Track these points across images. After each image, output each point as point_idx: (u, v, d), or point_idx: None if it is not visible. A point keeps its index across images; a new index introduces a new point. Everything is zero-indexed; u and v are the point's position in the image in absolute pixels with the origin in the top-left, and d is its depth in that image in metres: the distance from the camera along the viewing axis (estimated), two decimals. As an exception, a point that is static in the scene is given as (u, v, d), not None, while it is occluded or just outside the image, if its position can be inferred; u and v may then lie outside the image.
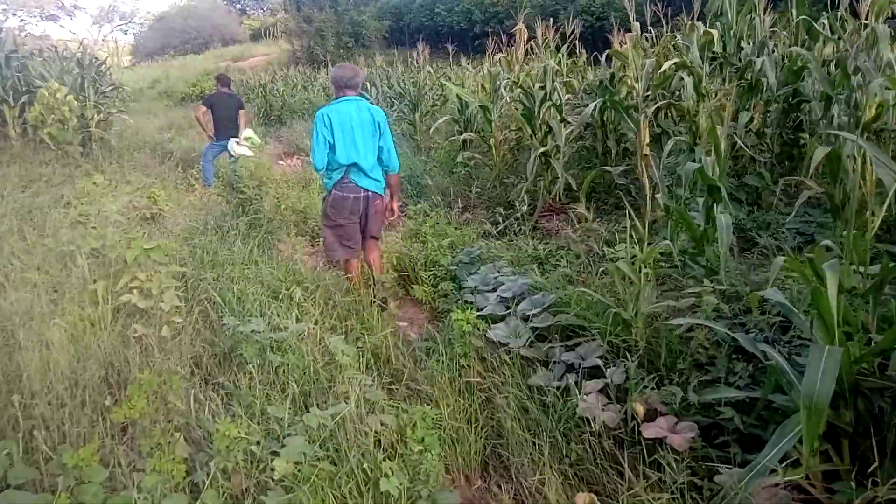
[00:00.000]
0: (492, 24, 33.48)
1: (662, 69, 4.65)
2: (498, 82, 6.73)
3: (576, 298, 3.51)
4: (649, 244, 3.16)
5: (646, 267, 3.09)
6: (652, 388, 2.71)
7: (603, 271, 3.73)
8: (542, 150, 5.53)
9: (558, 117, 5.64)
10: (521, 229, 5.47)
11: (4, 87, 8.30)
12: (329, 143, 3.93)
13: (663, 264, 3.67)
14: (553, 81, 5.72)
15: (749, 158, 5.09)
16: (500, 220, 5.67)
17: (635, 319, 3.10)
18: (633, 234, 3.33)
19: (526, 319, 3.45)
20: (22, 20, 52.89)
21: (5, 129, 8.53)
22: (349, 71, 4.11)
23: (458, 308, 3.80)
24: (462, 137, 6.91)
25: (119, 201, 6.70)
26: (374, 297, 4.10)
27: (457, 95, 7.54)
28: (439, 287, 4.48)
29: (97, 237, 4.42)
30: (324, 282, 4.45)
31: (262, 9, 55.59)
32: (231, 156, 8.15)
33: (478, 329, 3.31)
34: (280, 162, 12.45)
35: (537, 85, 5.62)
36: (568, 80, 6.04)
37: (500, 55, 7.42)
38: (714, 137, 3.52)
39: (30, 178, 7.55)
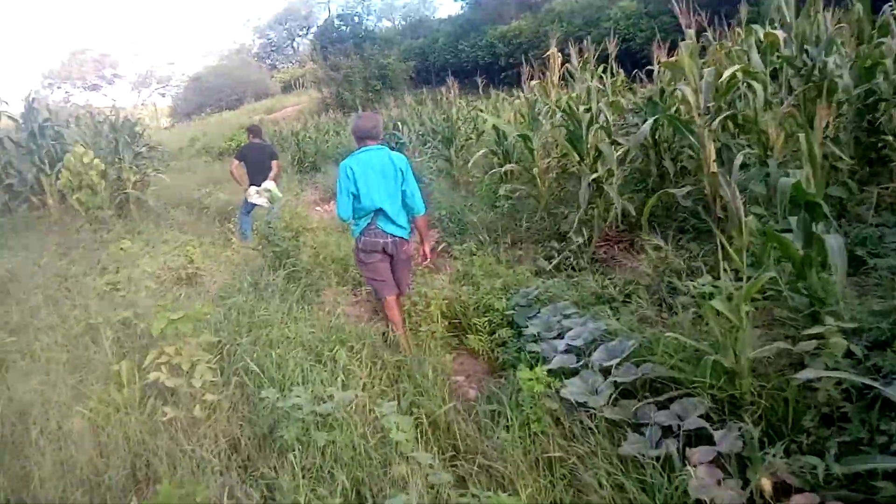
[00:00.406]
0: (516, 55, 33.64)
1: (725, 77, 4.19)
2: (536, 109, 6.36)
3: (660, 344, 3.03)
4: (745, 278, 2.67)
5: (747, 303, 2.60)
6: (778, 456, 2.20)
7: (694, 313, 3.22)
8: (593, 176, 5.10)
9: (607, 140, 5.22)
10: (577, 263, 5.01)
11: (40, 156, 8.35)
12: (353, 193, 3.98)
13: (757, 296, 3.16)
14: (598, 102, 5.32)
15: (830, 167, 4.55)
16: (555, 254, 5.23)
17: (739, 366, 2.61)
18: (726, 264, 2.84)
19: (605, 372, 2.98)
20: (67, 92, 55.70)
21: (43, 197, 8.57)
22: (369, 122, 4.16)
23: (521, 361, 3.38)
24: (504, 169, 6.53)
25: (154, 263, 6.52)
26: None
27: (493, 126, 7.20)
28: (496, 335, 4.04)
29: (127, 306, 4.15)
30: (369, 338, 4.07)
31: (292, 62, 57.17)
32: (269, 207, 7.97)
33: (549, 387, 2.86)
34: (317, 208, 12.31)
35: (582, 107, 5.22)
36: (614, 99, 5.63)
37: (534, 82, 7.08)
38: (808, 146, 3.05)
39: (68, 245, 7.46)
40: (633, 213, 5.01)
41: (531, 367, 2.92)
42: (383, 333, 4.38)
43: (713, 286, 3.04)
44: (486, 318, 4.23)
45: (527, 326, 3.93)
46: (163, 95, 65.35)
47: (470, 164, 7.37)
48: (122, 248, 6.38)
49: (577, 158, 5.48)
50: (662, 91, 5.35)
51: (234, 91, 49.43)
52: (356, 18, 38.54)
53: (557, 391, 2.90)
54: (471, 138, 9.78)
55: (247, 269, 5.95)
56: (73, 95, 54.76)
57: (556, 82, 6.78)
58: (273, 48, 59.31)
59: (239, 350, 3.72)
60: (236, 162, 8.51)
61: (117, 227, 8.62)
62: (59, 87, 56.16)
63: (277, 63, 58.82)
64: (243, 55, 56.57)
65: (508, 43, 32.63)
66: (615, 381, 2.85)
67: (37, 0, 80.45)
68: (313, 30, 49.29)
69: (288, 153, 18.02)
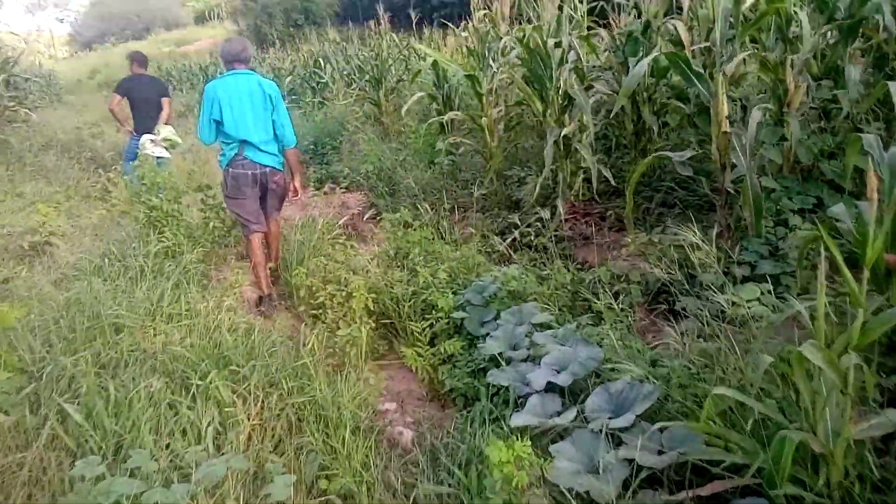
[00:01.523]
0: (452, -6, 31.75)
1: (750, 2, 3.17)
2: (488, 44, 5.16)
3: (682, 388, 2.04)
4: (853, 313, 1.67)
5: (855, 353, 1.62)
6: None
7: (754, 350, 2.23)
8: (564, 131, 4.01)
9: (579, 85, 4.12)
10: (539, 241, 3.97)
11: None
12: (216, 119, 3.74)
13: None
14: (570, 36, 4.19)
15: (851, 125, 3.65)
16: (511, 229, 4.17)
17: (829, 447, 1.65)
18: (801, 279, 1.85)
19: (613, 439, 1.97)
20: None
21: None
22: (238, 44, 3.95)
23: (477, 392, 2.37)
24: (445, 118, 5.32)
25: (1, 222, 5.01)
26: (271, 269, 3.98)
27: (433, 64, 5.94)
28: (441, 347, 2.97)
29: None
30: (265, 347, 2.92)
31: (207, -10, 52.42)
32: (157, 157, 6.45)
33: (529, 464, 1.83)
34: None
35: (551, 41, 4.07)
36: (591, 32, 4.49)
37: (482, 12, 5.84)
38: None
39: None
40: (611, 180, 3.98)
41: (504, 434, 1.88)
42: (289, 338, 3.25)
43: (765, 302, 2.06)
44: (427, 321, 3.14)
45: (483, 338, 2.88)
46: (61, 21, 59.05)
47: (403, 111, 6.09)
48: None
49: (540, 107, 4.37)
50: (647, 25, 4.27)
51: (140, 19, 44.94)
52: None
53: (541, 468, 1.87)
54: (403, 79, 8.45)
55: (117, 238, 4.57)
56: (-47, 15, 48.48)
57: (506, 14, 5.60)
58: (186, -28, 54.16)
59: (63, 377, 2.47)
60: (118, 97, 6.85)
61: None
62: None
63: (191, -10, 53.80)
64: (151, -22, 51.23)
65: (444, -20, 30.61)
66: (632, 461, 1.84)
67: None
68: (231, -46, 45.00)
69: (196, 91, 15.96)
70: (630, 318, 2.71)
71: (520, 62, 4.59)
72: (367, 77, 8.44)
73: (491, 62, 5.14)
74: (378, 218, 5.21)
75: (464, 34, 5.68)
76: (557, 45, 4.09)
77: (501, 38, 5.06)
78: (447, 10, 21.12)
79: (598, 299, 3.01)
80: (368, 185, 5.92)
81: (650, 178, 4.32)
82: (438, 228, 4.52)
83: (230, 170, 3.81)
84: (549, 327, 2.82)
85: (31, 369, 2.42)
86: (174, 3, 48.53)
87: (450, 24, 6.77)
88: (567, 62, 4.08)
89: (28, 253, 4.53)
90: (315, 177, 7.20)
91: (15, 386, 2.25)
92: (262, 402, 2.44)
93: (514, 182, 4.85)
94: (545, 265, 3.68)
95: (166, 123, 6.61)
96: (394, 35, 8.95)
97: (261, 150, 3.82)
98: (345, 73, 10.84)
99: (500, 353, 2.64)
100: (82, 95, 19.61)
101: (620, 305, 2.79)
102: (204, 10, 44.63)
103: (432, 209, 4.82)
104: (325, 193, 6.09)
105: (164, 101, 6.80)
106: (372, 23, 11.05)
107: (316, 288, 3.62)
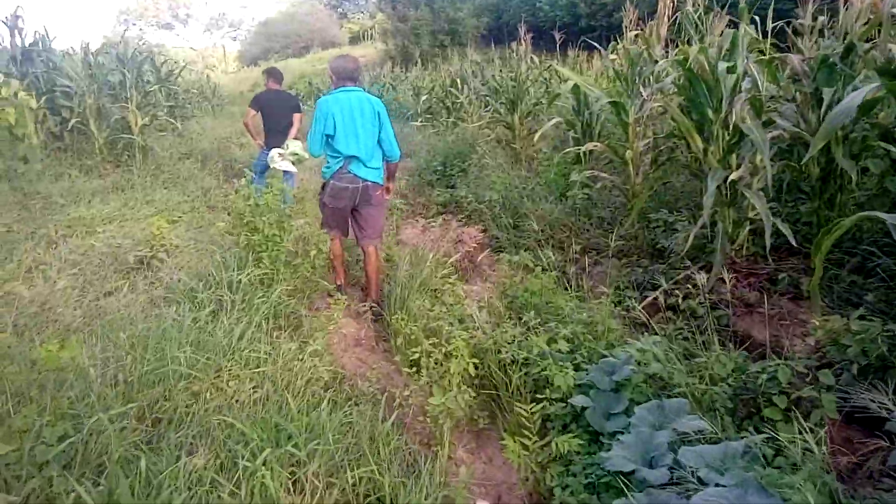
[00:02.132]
0: (598, 17, 30.66)
1: None
2: (639, 67, 4.48)
3: None
4: None
5: None
6: None
7: None
8: (733, 174, 3.25)
9: (752, 119, 3.34)
10: (688, 308, 3.23)
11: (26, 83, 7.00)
12: (328, 134, 3.84)
13: None
14: (745, 60, 3.42)
15: None
16: (652, 285, 3.46)
17: None
18: None
19: None
20: (141, 30, 56.14)
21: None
22: (350, 63, 4.00)
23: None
24: (583, 149, 4.69)
25: (119, 233, 5.11)
26: (370, 308, 3.93)
27: (573, 88, 5.34)
28: (552, 442, 2.36)
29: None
30: (343, 418, 2.47)
31: (363, 12, 55.49)
32: (284, 171, 6.44)
33: None
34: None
35: (723, 65, 3.32)
36: (772, 55, 3.67)
37: (634, 32, 5.17)
38: None
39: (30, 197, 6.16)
40: (791, 239, 3.15)
41: None
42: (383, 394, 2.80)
43: None
44: (540, 402, 2.54)
45: (608, 437, 2.24)
46: (234, 39, 65.32)
47: (537, 137, 5.54)
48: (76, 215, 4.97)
49: (700, 144, 3.63)
50: (850, 48, 3.40)
51: (301, 38, 48.42)
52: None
53: None
54: (541, 103, 7.90)
55: (221, 258, 4.41)
56: (147, 34, 55.15)
57: (661, 35, 4.91)
58: (345, -4, 57.87)
59: (104, 431, 2.14)
60: (252, 111, 6.97)
61: (112, 177, 7.30)
62: (133, 25, 56.59)
63: (348, 12, 57.32)
64: (314, 2, 55.13)
65: (591, 3, 29.83)
66: None
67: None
68: (386, -21, 47.27)
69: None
70: (823, 446, 1.94)
71: (676, 89, 3.88)
72: (502, 99, 8.00)
73: (641, 88, 4.46)
74: (497, 254, 4.69)
75: (611, 56, 5.05)
76: (731, 69, 3.34)
77: (656, 60, 4.37)
78: (595, 34, 20.29)
79: (773, 402, 2.26)
80: (491, 215, 5.42)
81: (841, 237, 3.42)
82: (564, 273, 3.91)
83: (332, 181, 3.94)
84: (703, 438, 2.12)
85: (80, 414, 2.13)
86: (333, 24, 51.84)
87: (597, 46, 6.16)
88: (741, 90, 3.32)
89: (134, 267, 4.48)
90: (440, 199, 6.85)
91: (57, 434, 1.96)
92: (321, 496, 1.98)
93: (660, 227, 4.11)
94: (695, 338, 2.95)
95: (295, 138, 6.58)
96: (534, 56, 8.43)
97: (365, 166, 3.91)
98: (481, 94, 10.50)
99: (635, 474, 1.99)
100: (242, 106, 21.15)
101: (809, 425, 2.02)
102: (359, 31, 47.17)
103: (559, 250, 4.21)
104: (444, 220, 5.70)
105: (296, 116, 6.78)
106: (514, 44, 10.69)
107: (414, 336, 3.16)
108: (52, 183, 6.62)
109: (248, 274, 3.64)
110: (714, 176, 3.31)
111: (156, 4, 57.52)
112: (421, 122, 11.67)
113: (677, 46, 4.51)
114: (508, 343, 2.93)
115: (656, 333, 2.95)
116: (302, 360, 2.89)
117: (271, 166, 6.02)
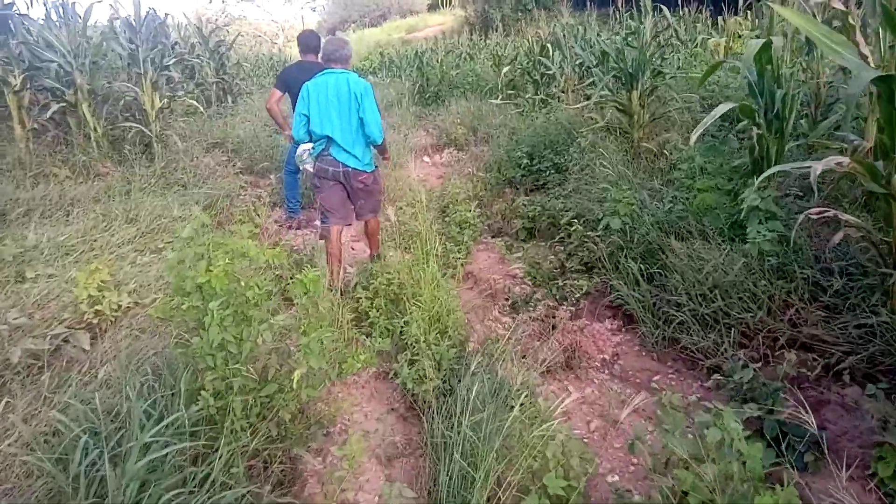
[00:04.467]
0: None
1: None
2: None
3: None
4: None
5: None
6: None
7: None
8: None
9: None
10: None
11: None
12: (305, 115, 3.84)
13: None
14: None
15: None
16: None
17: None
18: None
19: None
20: (223, 1, 56.26)
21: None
22: (333, 44, 3.95)
23: None
24: (817, 167, 2.54)
25: (62, 277, 3.49)
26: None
27: (758, 53, 3.17)
28: None
29: None
30: None
31: (442, -22, 53.10)
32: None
33: None
34: (426, 159, 8.91)
35: None
36: None
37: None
38: None
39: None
40: None
41: None
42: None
43: None
44: None
45: None
46: (313, 10, 64.62)
47: (693, 138, 3.38)
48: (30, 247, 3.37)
49: None
50: None
51: (379, 7, 46.87)
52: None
53: None
54: (661, 73, 5.70)
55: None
56: (229, 5, 55.22)
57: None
58: (424, -39, 55.55)
59: None
60: (277, 93, 5.22)
61: (113, 177, 5.76)
62: (216, -1, 56.70)
63: (427, -21, 55.02)
64: (392, -32, 53.18)
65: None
66: None
67: None
68: (468, -60, 44.62)
69: (407, 81, 14.61)
70: None
71: None
72: (613, 72, 5.82)
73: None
74: (637, 340, 2.70)
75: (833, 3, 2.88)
76: None
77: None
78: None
79: None
80: (612, 262, 3.41)
81: None
82: (784, 430, 1.91)
83: (316, 163, 3.95)
84: None
85: None
86: (411, -10, 49.82)
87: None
88: None
89: (25, 365, 2.77)
90: (525, 212, 4.90)
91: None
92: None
93: None
94: None
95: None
96: (664, 7, 6.17)
97: (344, 150, 3.85)
98: (577, 62, 8.30)
99: None
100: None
101: None
102: (437, -2, 44.99)
103: (741, 346, 2.20)
104: (548, 308, 3.72)
105: (334, 97, 4.96)
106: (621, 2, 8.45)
107: None
108: (33, 187, 5.15)
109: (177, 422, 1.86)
110: None
111: (237, -23, 57.33)
112: (501, 99, 9.60)
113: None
114: None
115: None
116: None
117: (300, 168, 4.26)
